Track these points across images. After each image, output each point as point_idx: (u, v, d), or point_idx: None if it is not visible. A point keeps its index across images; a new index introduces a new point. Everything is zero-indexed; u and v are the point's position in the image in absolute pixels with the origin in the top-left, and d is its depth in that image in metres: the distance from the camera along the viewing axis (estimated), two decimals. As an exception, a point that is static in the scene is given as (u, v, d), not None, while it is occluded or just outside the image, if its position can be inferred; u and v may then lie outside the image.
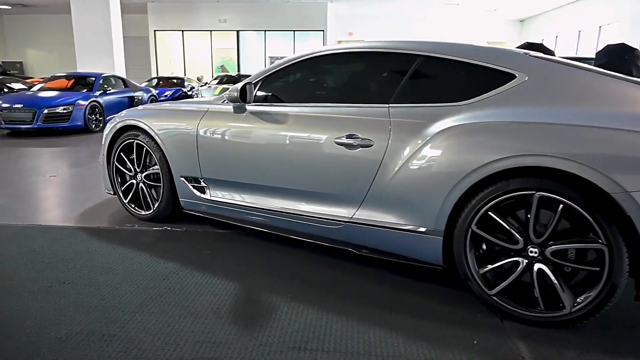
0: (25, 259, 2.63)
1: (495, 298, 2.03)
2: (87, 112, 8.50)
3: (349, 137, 2.31)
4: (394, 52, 2.38)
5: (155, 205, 3.23)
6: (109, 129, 3.35)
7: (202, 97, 12.27)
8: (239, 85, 2.57)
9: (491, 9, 17.85)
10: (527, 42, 7.89)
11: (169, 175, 3.10)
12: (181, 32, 18.55)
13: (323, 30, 17.39)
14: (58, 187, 4.36)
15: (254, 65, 18.29)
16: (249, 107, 2.71)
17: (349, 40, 22.18)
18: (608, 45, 7.21)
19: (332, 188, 2.41)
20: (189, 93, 13.55)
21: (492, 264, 2.03)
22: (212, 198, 2.92)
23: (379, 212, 2.29)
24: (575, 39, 15.71)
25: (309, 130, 2.47)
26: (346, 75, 2.64)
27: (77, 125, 8.37)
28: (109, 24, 13.03)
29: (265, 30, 17.81)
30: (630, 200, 1.67)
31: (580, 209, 1.78)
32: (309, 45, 18.10)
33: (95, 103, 8.83)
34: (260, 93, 2.75)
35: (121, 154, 3.34)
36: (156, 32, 18.69)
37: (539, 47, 8.65)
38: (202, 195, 2.97)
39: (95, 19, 12.81)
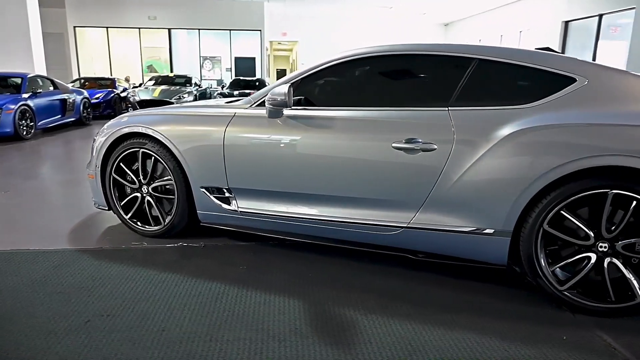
0: (35, 291, 2.26)
1: (566, 293, 2.10)
2: (16, 117, 7.56)
3: (408, 141, 2.27)
4: (448, 54, 2.38)
5: (167, 220, 2.94)
6: (105, 137, 2.99)
7: (139, 98, 11.49)
8: (283, 88, 2.40)
9: (421, 12, 18.74)
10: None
11: (185, 187, 2.84)
12: (105, 28, 17.20)
13: (260, 30, 17.10)
14: (21, 205, 3.82)
15: (188, 65, 17.51)
16: (286, 112, 2.55)
17: (282, 40, 22.08)
18: (535, 49, 8.07)
19: (388, 194, 2.36)
20: (123, 95, 12.61)
21: (562, 261, 2.11)
22: (241, 209, 2.72)
23: (441, 216, 2.28)
24: (498, 42, 17.00)
25: (362, 135, 2.38)
26: (397, 77, 2.58)
27: (6, 132, 7.42)
28: (26, 19, 11.70)
29: (199, 29, 17.10)
30: None
31: (653, 204, 1.90)
32: (247, 46, 17.73)
33: (26, 107, 7.89)
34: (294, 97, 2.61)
35: (121, 164, 3.00)
36: (76, 28, 17.14)
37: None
38: (227, 207, 2.75)
39: (11, 11, 11.43)
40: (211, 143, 2.69)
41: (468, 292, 2.32)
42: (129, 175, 3.02)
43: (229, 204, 2.76)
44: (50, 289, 2.30)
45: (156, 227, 2.99)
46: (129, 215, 3.05)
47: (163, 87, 12.16)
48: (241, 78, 14.10)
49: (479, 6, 17.01)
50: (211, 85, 14.95)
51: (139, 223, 3.05)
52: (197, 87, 13.44)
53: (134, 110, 11.86)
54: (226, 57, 17.96)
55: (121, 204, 3.06)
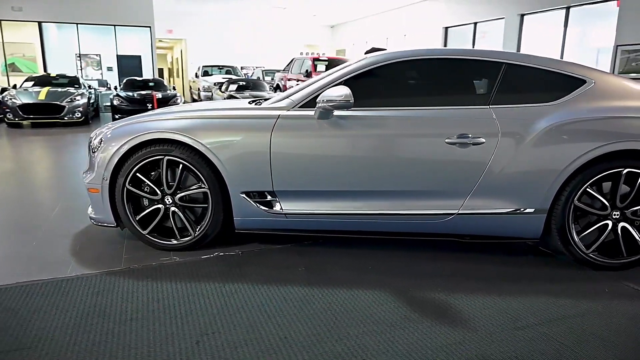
0: (107, 321, 2.01)
1: (592, 255, 2.58)
2: None
3: (460, 136, 2.53)
4: (483, 59, 2.69)
5: (199, 230, 2.78)
6: (119, 144, 2.69)
7: (20, 102, 9.93)
8: (341, 89, 2.46)
9: (312, 14, 19.34)
10: (373, 47, 9.15)
11: (221, 194, 2.72)
12: (-47, 20, 14.34)
13: (150, 27, 15.93)
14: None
15: (63, 64, 15.54)
16: (337, 112, 2.62)
17: (164, 38, 20.90)
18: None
19: (441, 185, 2.60)
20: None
21: (588, 229, 2.57)
22: (286, 211, 2.72)
23: (487, 201, 2.60)
24: (384, 44, 18.42)
25: (416, 133, 2.58)
26: (441, 78, 2.79)
27: None
28: None
29: (77, 23, 15.26)
30: None
31: (654, 178, 2.45)
32: (134, 43, 16.39)
33: None
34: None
35: (137, 174, 2.74)
36: None
37: (382, 51, 9.99)
38: (271, 211, 2.72)
39: None
40: (256, 147, 2.63)
41: (513, 265, 2.68)
42: (148, 186, 2.77)
43: (271, 207, 2.73)
44: (118, 317, 2.06)
45: (184, 240, 2.81)
46: (148, 230, 2.80)
47: (50, 88, 10.70)
48: (137, 78, 13.04)
49: (365, 10, 18.20)
50: (90, 86, 13.46)
51: (159, 237, 2.83)
52: (89, 88, 12.13)
53: (14, 116, 10.24)
54: (110, 55, 16.37)
55: (137, 219, 2.80)
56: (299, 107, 2.69)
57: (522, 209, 2.58)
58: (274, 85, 14.81)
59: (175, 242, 2.82)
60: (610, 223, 2.56)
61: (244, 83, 13.12)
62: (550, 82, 2.65)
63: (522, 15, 11.57)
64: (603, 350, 1.84)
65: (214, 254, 2.80)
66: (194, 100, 17.10)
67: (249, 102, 3.20)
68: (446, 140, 2.54)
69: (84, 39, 15.89)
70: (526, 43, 11.62)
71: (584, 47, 10.52)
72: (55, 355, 1.77)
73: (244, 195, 2.71)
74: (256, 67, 19.92)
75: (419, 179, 2.60)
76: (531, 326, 2.01)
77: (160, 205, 2.79)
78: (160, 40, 22.18)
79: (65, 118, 10.19)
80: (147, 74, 16.67)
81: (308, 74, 12.62)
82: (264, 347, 1.84)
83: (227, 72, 17.81)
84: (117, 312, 2.10)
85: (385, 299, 2.25)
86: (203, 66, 17.89)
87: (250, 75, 19.09)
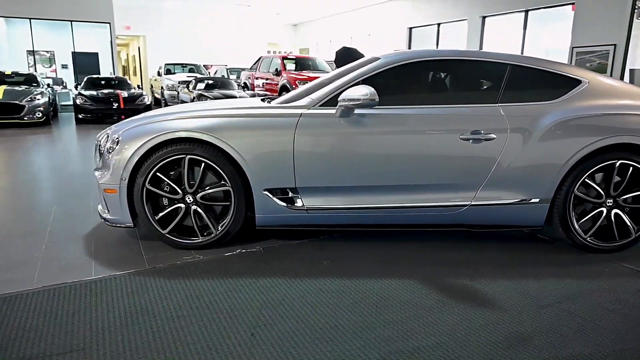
0: (150, 320, 2.02)
1: (590, 240, 2.84)
2: None
3: (473, 133, 2.71)
4: (490, 60, 2.88)
5: (221, 228, 2.81)
6: (138, 144, 2.67)
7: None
8: (364, 89, 2.57)
9: (276, 12, 19.32)
10: (344, 47, 9.41)
11: (244, 191, 2.77)
12: None
13: (109, 23, 15.34)
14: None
15: (14, 62, 14.70)
16: (358, 110, 2.73)
17: (127, 34, 20.24)
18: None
19: (456, 178, 2.77)
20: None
21: (586, 216, 2.83)
22: (307, 207, 2.80)
23: (497, 192, 2.79)
24: (349, 43, 18.72)
25: (433, 129, 2.74)
26: (454, 78, 2.95)
27: None
28: None
29: (30, 18, 14.45)
30: None
31: (642, 167, 2.73)
32: (93, 39, 15.74)
33: None
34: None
35: (157, 174, 2.74)
36: None
37: (353, 51, 10.35)
38: (292, 207, 2.79)
39: None
40: (280, 145, 2.70)
41: (520, 252, 2.89)
42: (168, 185, 2.77)
43: (293, 203, 2.80)
44: (163, 315, 2.07)
45: (206, 237, 2.83)
46: (168, 229, 2.80)
47: (6, 87, 10.13)
48: (98, 77, 12.57)
49: (329, 9, 18.38)
50: (49, 84, 12.82)
51: (179, 236, 2.83)
52: (49, 87, 11.58)
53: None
54: (65, 52, 15.63)
55: (156, 219, 2.79)
56: (319, 106, 2.78)
57: (528, 199, 2.79)
58: (242, 84, 14.69)
59: (197, 240, 2.83)
60: (604, 210, 2.83)
61: (212, 81, 12.96)
62: (550, 82, 2.89)
63: (484, 17, 12.14)
64: (617, 322, 2.07)
65: (236, 251, 2.84)
66: (155, 99, 16.59)
67: (262, 100, 3.25)
68: (460, 137, 2.71)
69: (38, 35, 15.09)
70: (488, 44, 12.21)
71: (537, 48, 11.19)
72: (114, 355, 1.78)
73: (266, 193, 2.77)
74: (220, 66, 19.65)
75: (435, 173, 2.76)
76: (553, 304, 2.21)
77: (181, 204, 2.80)
78: (117, 37, 21.44)
79: (25, 118, 9.67)
80: (105, 71, 16.07)
81: (278, 73, 12.63)
82: (318, 336, 1.92)
83: (191, 71, 17.46)
84: (160, 310, 2.11)
85: (415, 287, 2.39)
86: (166, 64, 17.43)
87: (214, 73, 18.80)
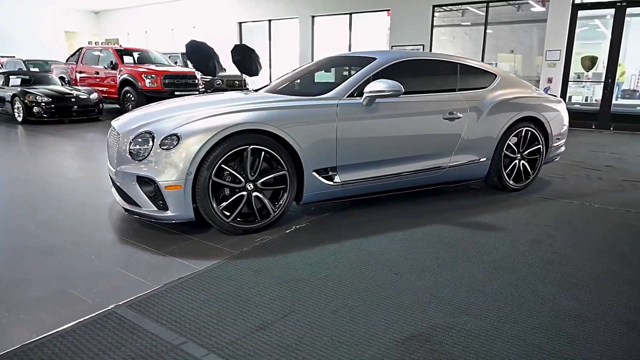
0: (328, 286, 2.37)
1: (511, 183, 4.20)
2: None
3: (449, 113, 3.72)
4: (448, 61, 3.92)
5: (277, 209, 3.13)
6: (205, 138, 2.77)
7: None
8: (390, 82, 3.25)
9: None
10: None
11: (297, 174, 3.16)
12: None
13: None
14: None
15: None
16: (378, 100, 3.40)
17: None
18: (235, 45, 10.92)
19: (440, 147, 3.74)
20: None
21: (508, 167, 4.17)
22: (343, 181, 3.36)
23: (463, 156, 3.88)
24: (169, 35, 17.96)
25: (426, 112, 3.62)
26: (432, 73, 3.81)
27: None
28: None
29: None
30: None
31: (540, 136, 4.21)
32: None
33: None
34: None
35: (222, 165, 2.89)
36: None
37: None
38: (331, 183, 3.32)
39: None
40: (326, 131, 3.18)
41: (478, 197, 4.06)
42: (231, 175, 2.94)
43: (332, 180, 3.32)
44: (310, 278, 2.43)
45: (263, 221, 3.09)
46: (232, 217, 2.98)
47: None
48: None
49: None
50: None
51: (242, 221, 3.03)
52: None
53: None
54: None
55: (221, 209, 2.94)
56: (347, 97, 3.35)
57: (479, 159, 3.97)
58: (60, 78, 12.78)
59: (258, 223, 3.08)
60: (517, 162, 4.23)
61: (28, 77, 11.06)
62: (482, 76, 4.11)
63: (313, 17, 13.58)
64: (568, 226, 3.37)
65: (292, 228, 3.20)
66: None
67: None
68: (442, 117, 3.69)
69: None
70: (319, 42, 13.72)
71: (363, 46, 13.25)
72: (317, 318, 2.12)
73: (314, 173, 3.22)
74: (7, 57, 16.31)
75: (429, 145, 3.68)
76: (529, 223, 3.40)
77: (243, 193, 3.00)
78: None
79: None
80: None
81: (114, 66, 11.57)
82: (417, 267, 2.62)
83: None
84: (305, 275, 2.45)
85: (445, 230, 3.26)
86: None
87: (3, 67, 15.55)
